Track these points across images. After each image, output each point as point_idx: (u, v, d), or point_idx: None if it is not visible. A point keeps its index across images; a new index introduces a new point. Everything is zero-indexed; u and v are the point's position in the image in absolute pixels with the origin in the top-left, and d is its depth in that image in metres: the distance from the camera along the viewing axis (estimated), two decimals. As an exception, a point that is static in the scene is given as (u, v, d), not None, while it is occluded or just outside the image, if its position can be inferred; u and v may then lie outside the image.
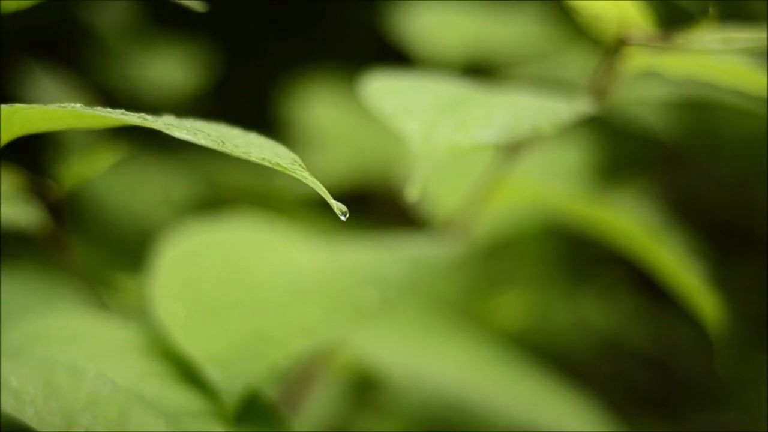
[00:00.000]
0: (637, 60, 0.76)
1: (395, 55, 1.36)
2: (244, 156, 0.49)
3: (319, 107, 1.50)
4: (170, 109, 0.56)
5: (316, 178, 0.49)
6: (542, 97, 0.73)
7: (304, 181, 0.49)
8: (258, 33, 1.92)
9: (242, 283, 0.73)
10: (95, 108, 0.50)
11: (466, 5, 1.51)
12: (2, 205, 0.80)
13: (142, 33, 1.68)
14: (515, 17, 1.49)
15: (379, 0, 1.56)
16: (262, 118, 1.58)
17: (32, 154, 1.07)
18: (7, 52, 1.53)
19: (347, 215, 0.49)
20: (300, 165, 0.50)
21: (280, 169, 0.49)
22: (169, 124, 0.50)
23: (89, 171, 0.84)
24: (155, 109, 0.52)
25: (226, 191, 1.43)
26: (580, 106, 0.71)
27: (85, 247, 1.31)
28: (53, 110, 0.51)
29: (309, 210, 1.36)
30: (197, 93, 1.62)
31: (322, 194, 0.48)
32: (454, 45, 1.41)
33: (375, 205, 1.40)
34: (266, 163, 0.49)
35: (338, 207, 0.49)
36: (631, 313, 1.64)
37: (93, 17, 1.68)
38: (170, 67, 1.65)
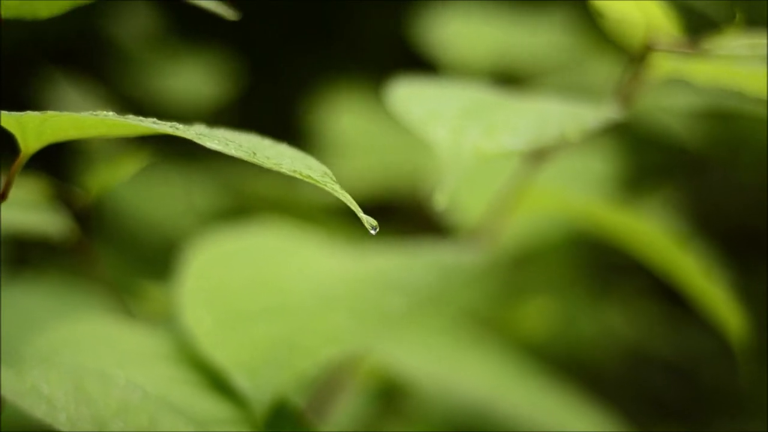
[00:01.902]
0: (663, 66, 0.76)
1: (419, 64, 1.36)
2: (275, 168, 0.49)
3: (343, 117, 1.50)
4: (194, 120, 0.56)
5: (344, 188, 0.49)
6: (569, 104, 0.73)
7: (335, 194, 0.48)
8: (281, 43, 1.92)
9: (269, 290, 0.73)
10: (127, 116, 0.50)
11: (492, 14, 1.50)
12: (28, 213, 0.81)
13: (166, 44, 1.69)
14: (541, 26, 1.49)
15: (403, 9, 1.56)
16: (286, 128, 1.58)
17: (56, 163, 1.07)
18: (32, 63, 1.54)
19: (377, 230, 0.49)
20: (331, 178, 0.50)
21: (311, 181, 0.49)
22: (200, 134, 0.50)
23: (114, 179, 0.84)
24: (180, 120, 0.52)
25: (249, 200, 1.43)
26: (607, 112, 0.71)
27: (109, 257, 1.32)
28: (85, 118, 0.51)
29: (333, 218, 1.36)
30: (221, 104, 1.62)
31: (352, 207, 0.47)
32: (479, 54, 1.41)
33: (400, 215, 1.40)
34: (297, 176, 0.49)
35: (368, 221, 0.49)
36: (654, 322, 1.63)
37: (117, 29, 1.68)
38: (194, 78, 1.66)
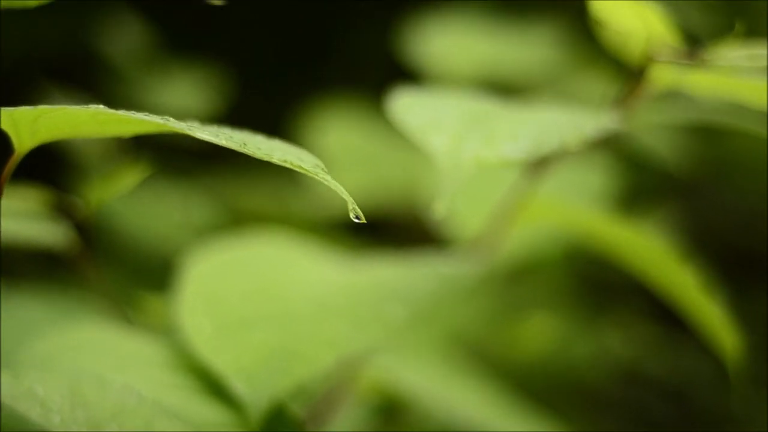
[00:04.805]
0: (662, 78, 0.76)
1: (407, 79, 1.36)
2: (266, 158, 0.49)
3: (332, 133, 1.49)
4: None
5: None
6: (568, 113, 0.73)
7: (326, 183, 0.48)
8: (270, 59, 1.92)
9: (268, 298, 0.73)
10: (118, 110, 0.50)
11: (480, 28, 1.50)
12: (27, 222, 0.80)
13: (156, 60, 1.69)
14: (530, 39, 1.49)
15: (390, 24, 1.56)
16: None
17: (53, 177, 1.07)
18: (27, 79, 1.54)
19: (362, 221, 0.49)
20: (322, 169, 0.50)
21: (302, 171, 0.49)
22: (191, 126, 0.50)
23: (113, 191, 0.84)
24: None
25: (244, 216, 1.43)
26: (607, 122, 0.71)
27: (107, 270, 1.31)
28: (77, 112, 0.51)
29: (327, 232, 1.36)
30: (210, 120, 1.61)
31: (342, 195, 0.47)
32: (467, 67, 1.41)
33: (394, 230, 1.39)
34: (288, 165, 0.49)
35: (354, 209, 0.49)
36: (649, 343, 1.63)
37: (108, 45, 1.68)
38: (183, 94, 1.65)
